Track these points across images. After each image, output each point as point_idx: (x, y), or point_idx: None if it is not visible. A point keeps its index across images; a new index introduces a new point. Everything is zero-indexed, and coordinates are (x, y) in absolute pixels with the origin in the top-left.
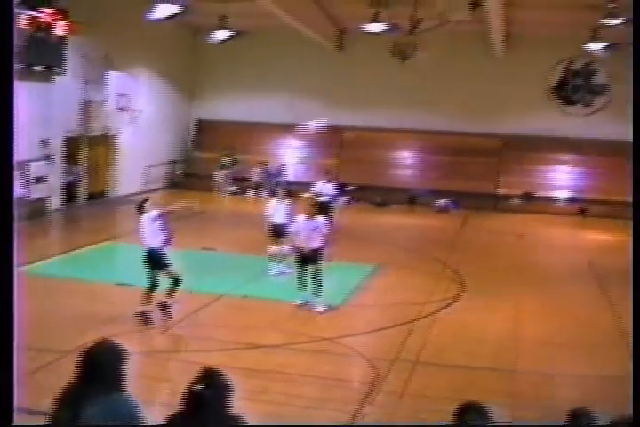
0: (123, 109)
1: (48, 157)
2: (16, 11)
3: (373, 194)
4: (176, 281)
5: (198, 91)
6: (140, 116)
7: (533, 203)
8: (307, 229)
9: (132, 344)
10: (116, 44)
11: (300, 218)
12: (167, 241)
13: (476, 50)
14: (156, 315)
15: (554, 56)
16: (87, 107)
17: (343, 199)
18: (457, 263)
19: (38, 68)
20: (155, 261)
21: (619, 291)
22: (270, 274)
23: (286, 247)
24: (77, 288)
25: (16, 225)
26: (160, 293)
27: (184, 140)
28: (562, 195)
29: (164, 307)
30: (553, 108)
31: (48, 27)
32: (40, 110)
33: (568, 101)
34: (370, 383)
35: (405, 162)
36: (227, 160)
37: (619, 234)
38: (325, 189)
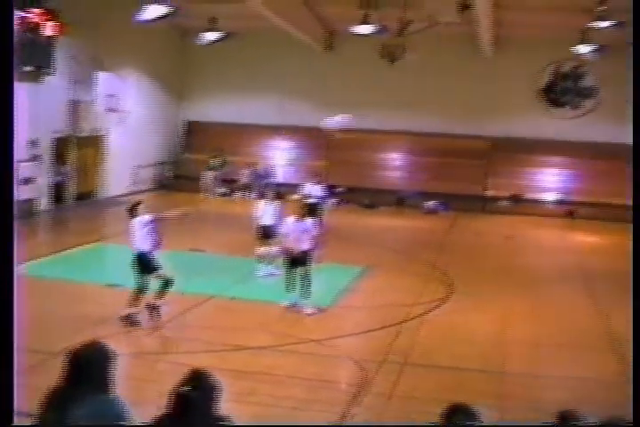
0: (111, 110)
1: (36, 158)
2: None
3: (362, 196)
4: (166, 283)
5: (187, 92)
6: (128, 117)
7: (522, 205)
8: (296, 231)
9: (120, 345)
10: (105, 44)
11: (290, 220)
12: (157, 245)
13: (465, 52)
14: (143, 316)
15: (543, 58)
16: (76, 107)
17: (332, 201)
18: (445, 265)
19: (27, 69)
20: (144, 265)
21: (607, 293)
22: (258, 276)
23: (275, 249)
24: (66, 289)
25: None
26: (148, 295)
27: (173, 141)
28: (550, 197)
29: (152, 308)
30: (541, 111)
31: (37, 27)
32: (29, 111)
33: (556, 104)
34: (358, 385)
35: (394, 164)
36: (216, 162)
37: (607, 236)
38: (314, 190)
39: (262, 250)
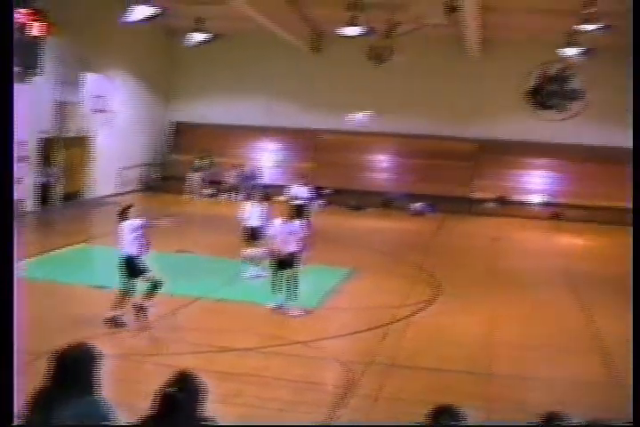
0: (98, 111)
1: (23, 159)
2: None
3: (349, 197)
4: (155, 285)
5: (175, 93)
6: (115, 118)
7: (508, 207)
8: (283, 233)
9: (106, 347)
10: (93, 45)
11: (277, 222)
12: (145, 250)
13: (452, 54)
14: (129, 317)
15: (530, 61)
16: (63, 108)
17: (318, 202)
18: (432, 267)
19: (14, 69)
20: (131, 268)
21: (593, 295)
22: (245, 277)
23: (261, 250)
24: (53, 290)
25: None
26: (134, 297)
27: (160, 142)
28: (536, 199)
29: (140, 309)
30: (528, 113)
31: (24, 27)
32: (15, 111)
33: (543, 106)
34: (344, 387)
35: (381, 165)
36: (202, 163)
37: (593, 238)
38: (301, 192)
39: (249, 251)
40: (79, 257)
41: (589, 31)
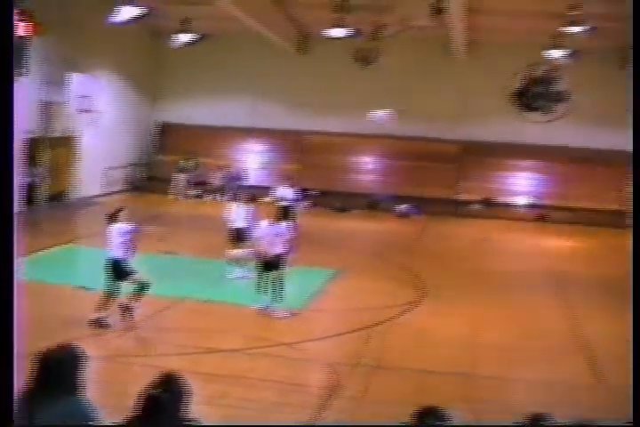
0: (84, 111)
1: None
2: None
3: (334, 199)
4: (142, 287)
5: (161, 93)
6: (101, 118)
7: (493, 208)
8: (270, 235)
9: (91, 348)
10: (78, 45)
11: (264, 223)
12: (132, 254)
13: (439, 56)
14: (115, 319)
15: (515, 63)
16: (48, 108)
17: (304, 204)
18: (417, 268)
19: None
20: (117, 271)
21: (578, 297)
22: (229, 278)
23: (246, 251)
24: (38, 291)
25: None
26: (119, 299)
27: (146, 142)
28: (522, 201)
29: (126, 309)
30: (514, 115)
31: None
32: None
33: (528, 108)
34: (329, 388)
35: (366, 167)
36: (189, 163)
37: (578, 240)
38: (286, 193)
39: (234, 253)
40: (65, 258)
41: (575, 33)
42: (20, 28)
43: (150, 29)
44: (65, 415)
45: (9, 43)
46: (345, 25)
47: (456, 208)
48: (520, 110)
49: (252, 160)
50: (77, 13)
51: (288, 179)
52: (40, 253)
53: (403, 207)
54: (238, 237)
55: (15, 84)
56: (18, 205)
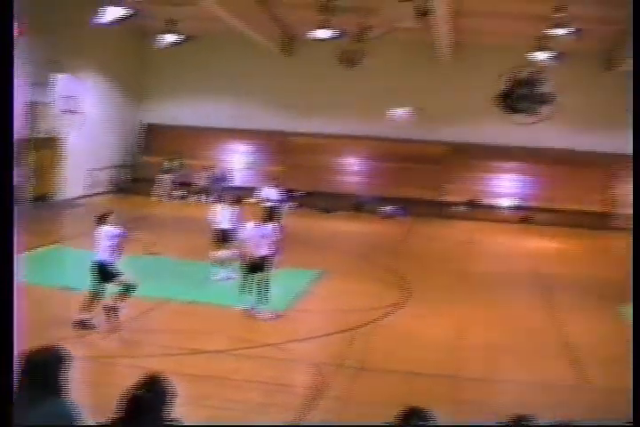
0: (69, 112)
1: None
2: None
3: (319, 200)
4: (127, 289)
5: (146, 95)
6: (86, 119)
7: (478, 210)
8: (256, 236)
9: (75, 349)
10: (63, 46)
11: (250, 225)
12: (119, 257)
13: (424, 57)
14: (100, 319)
15: (501, 65)
16: (33, 109)
17: (289, 205)
18: (402, 270)
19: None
20: (103, 273)
21: (563, 298)
22: (214, 279)
23: (231, 252)
24: (22, 292)
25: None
26: (104, 300)
27: (131, 143)
28: (507, 202)
29: (111, 310)
30: (498, 117)
31: None
32: None
33: (513, 110)
34: (314, 389)
35: (352, 168)
36: (173, 164)
37: (563, 241)
38: (271, 194)
39: (219, 254)
40: (49, 259)
41: (560, 35)
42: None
43: (135, 30)
44: (49, 416)
45: (9, 43)
46: (330, 26)
47: (441, 210)
48: (505, 112)
49: (237, 161)
50: (62, 14)
51: (273, 180)
52: (25, 253)
53: (388, 209)
54: (223, 238)
55: None
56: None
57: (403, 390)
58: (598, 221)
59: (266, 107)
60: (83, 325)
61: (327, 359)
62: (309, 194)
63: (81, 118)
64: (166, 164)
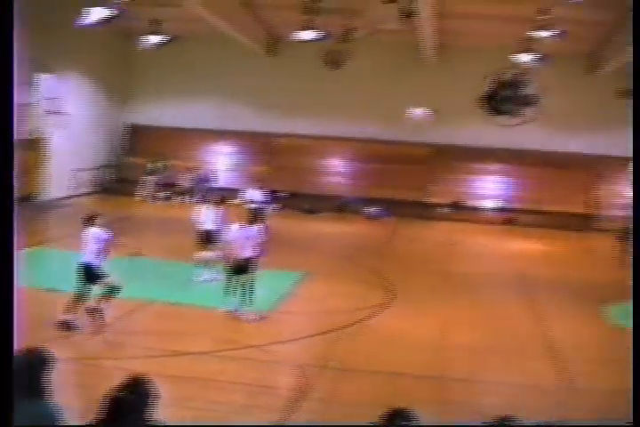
0: (53, 112)
1: None
2: None
3: (303, 201)
4: (112, 290)
5: (130, 95)
6: (70, 120)
7: (462, 211)
8: (241, 238)
9: (59, 350)
10: (47, 46)
11: (235, 226)
12: (105, 259)
13: (409, 59)
14: (83, 321)
15: (485, 67)
16: (17, 109)
17: (273, 206)
18: (386, 271)
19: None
20: (89, 274)
21: (546, 299)
22: (198, 280)
23: (215, 254)
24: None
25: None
26: (88, 301)
27: (115, 144)
28: (490, 204)
29: (95, 311)
30: (483, 119)
31: None
32: None
33: (497, 112)
34: (298, 390)
35: (336, 170)
36: (157, 165)
37: (547, 243)
38: (255, 195)
39: (203, 255)
40: (33, 260)
41: (544, 38)
42: None
43: (120, 31)
44: (32, 418)
45: (9, 43)
46: (314, 27)
47: (425, 211)
48: (488, 114)
49: (221, 162)
50: (47, 14)
51: (257, 181)
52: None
53: (372, 210)
54: (207, 239)
55: None
56: None
57: (387, 391)
58: (582, 223)
59: (250, 108)
60: (66, 325)
61: (311, 361)
62: (293, 195)
63: (65, 119)
64: (149, 165)
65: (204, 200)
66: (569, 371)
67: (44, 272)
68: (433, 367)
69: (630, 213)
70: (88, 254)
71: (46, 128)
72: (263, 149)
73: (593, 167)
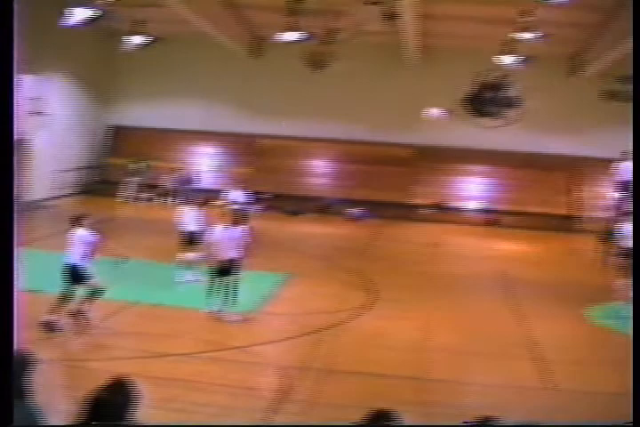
0: (35, 113)
1: None
2: None
3: (287, 202)
4: (95, 292)
5: (113, 96)
6: (52, 121)
7: (446, 213)
8: (225, 239)
9: (40, 352)
10: (30, 46)
11: (219, 227)
12: (90, 261)
13: (392, 60)
14: (67, 322)
15: (468, 68)
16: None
17: (256, 207)
18: (369, 272)
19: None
20: (75, 275)
21: (529, 300)
22: (181, 281)
23: (198, 255)
24: None
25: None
26: (72, 303)
27: (98, 145)
28: (473, 205)
29: (78, 313)
30: (466, 120)
31: None
32: None
33: (480, 113)
34: (281, 392)
35: (319, 171)
36: (139, 166)
37: (529, 244)
38: (238, 197)
39: (185, 256)
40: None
41: (527, 40)
42: None
43: (103, 31)
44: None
45: (9, 43)
46: (297, 28)
47: (408, 212)
48: (471, 115)
49: (204, 163)
50: (29, 14)
51: (240, 182)
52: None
53: (355, 211)
54: (190, 240)
55: None
56: None
57: (369, 392)
58: (564, 224)
59: (233, 109)
60: (49, 326)
61: (293, 362)
62: (277, 196)
63: (47, 120)
64: (132, 166)
65: (188, 201)
66: (551, 372)
67: (27, 274)
68: (415, 368)
69: (612, 214)
70: (74, 255)
71: (29, 129)
72: (246, 151)
73: (575, 169)
